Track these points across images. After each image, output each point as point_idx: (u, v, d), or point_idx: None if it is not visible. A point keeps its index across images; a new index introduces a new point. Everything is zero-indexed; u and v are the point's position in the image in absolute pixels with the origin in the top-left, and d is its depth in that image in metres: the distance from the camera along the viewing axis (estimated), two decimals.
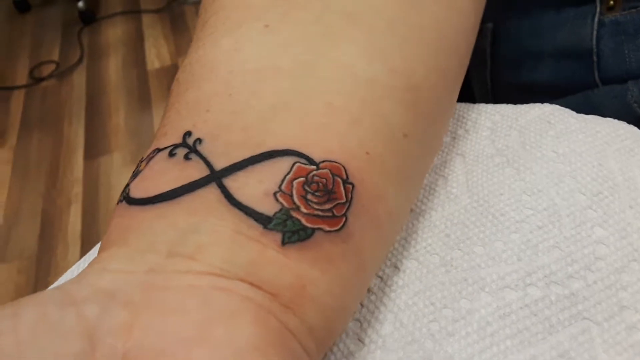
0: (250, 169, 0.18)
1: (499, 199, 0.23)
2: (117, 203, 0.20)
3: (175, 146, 0.19)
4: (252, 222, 0.17)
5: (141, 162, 0.20)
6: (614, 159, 0.24)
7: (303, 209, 0.17)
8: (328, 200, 0.18)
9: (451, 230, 0.22)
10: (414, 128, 0.21)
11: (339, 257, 0.18)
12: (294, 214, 0.17)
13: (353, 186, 0.18)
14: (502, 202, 0.23)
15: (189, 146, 0.19)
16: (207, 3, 0.24)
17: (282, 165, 0.18)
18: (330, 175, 0.18)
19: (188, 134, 0.19)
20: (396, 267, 0.22)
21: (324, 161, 0.18)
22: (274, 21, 0.21)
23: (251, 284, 0.16)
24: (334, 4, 0.22)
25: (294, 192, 0.17)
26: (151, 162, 0.19)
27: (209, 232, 0.17)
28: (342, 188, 0.18)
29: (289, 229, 0.17)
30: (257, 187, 0.18)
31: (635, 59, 0.33)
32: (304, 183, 0.18)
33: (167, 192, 0.18)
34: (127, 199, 0.19)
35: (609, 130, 0.25)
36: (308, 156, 0.18)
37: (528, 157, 0.25)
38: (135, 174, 0.20)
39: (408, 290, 0.21)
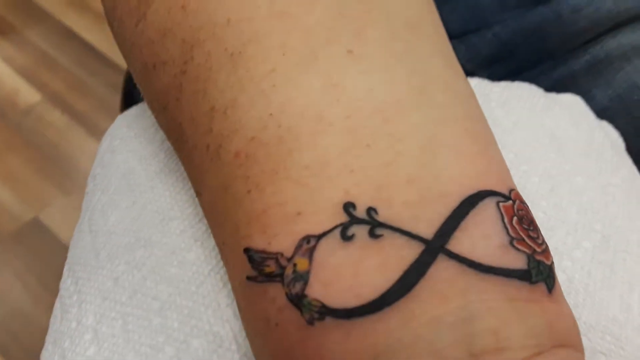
0: (463, 225, 0.17)
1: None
2: (311, 323, 0.15)
3: (345, 225, 0.16)
4: (515, 282, 0.16)
5: (278, 258, 0.16)
6: (547, 117, 0.30)
7: (537, 249, 0.17)
8: (537, 229, 0.18)
9: None
10: None
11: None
12: (537, 257, 0.17)
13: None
14: (514, 177, 0.27)
15: (368, 220, 0.16)
16: (222, 26, 0.19)
17: (489, 211, 0.17)
18: (522, 204, 0.18)
19: (351, 206, 0.16)
20: None
21: (511, 191, 0.18)
22: (353, 44, 0.19)
23: (561, 345, 0.16)
24: (392, 13, 0.20)
25: (522, 234, 0.17)
26: (319, 256, 0.16)
27: (485, 312, 0.16)
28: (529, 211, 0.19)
29: (545, 275, 0.17)
30: (489, 243, 0.17)
31: (455, 19, 0.39)
32: (520, 221, 0.17)
33: (395, 286, 0.15)
34: (333, 312, 0.15)
35: (525, 94, 0.31)
36: (500, 192, 0.18)
37: (498, 131, 0.29)
38: (296, 278, 0.16)
39: None
